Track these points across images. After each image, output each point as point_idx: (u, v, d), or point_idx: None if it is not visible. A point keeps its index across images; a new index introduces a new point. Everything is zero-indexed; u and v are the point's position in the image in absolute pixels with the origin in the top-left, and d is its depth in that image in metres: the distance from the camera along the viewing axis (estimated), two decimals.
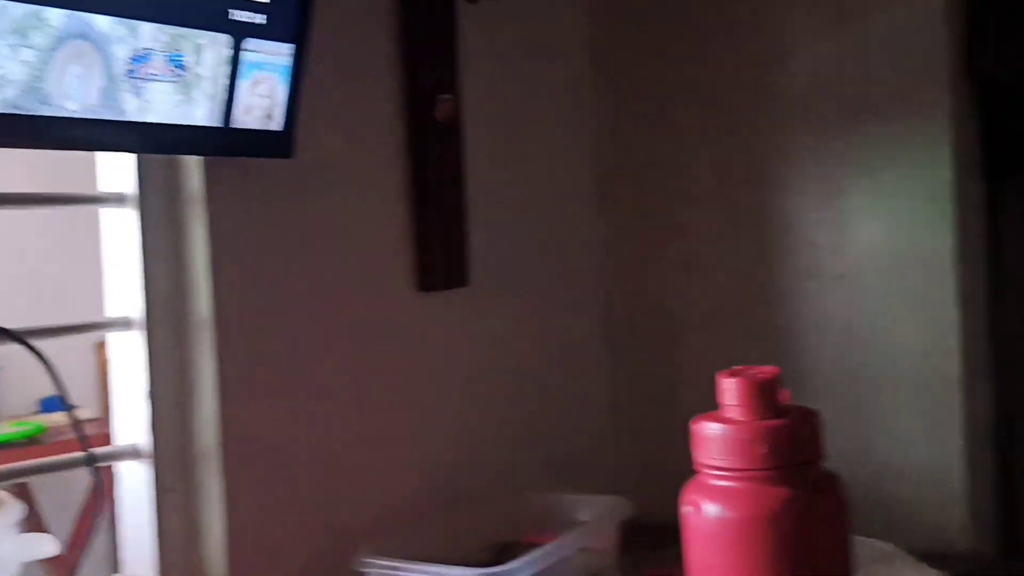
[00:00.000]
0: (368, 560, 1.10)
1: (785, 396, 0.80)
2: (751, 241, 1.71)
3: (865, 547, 0.90)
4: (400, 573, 1.07)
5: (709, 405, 0.82)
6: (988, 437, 1.59)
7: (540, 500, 1.36)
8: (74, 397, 1.04)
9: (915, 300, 1.56)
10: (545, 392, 1.65)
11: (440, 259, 1.46)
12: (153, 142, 1.05)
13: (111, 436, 1.16)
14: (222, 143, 1.11)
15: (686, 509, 0.74)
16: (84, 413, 2.24)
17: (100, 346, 3.92)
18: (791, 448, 0.73)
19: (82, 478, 1.05)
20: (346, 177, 1.36)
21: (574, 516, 1.28)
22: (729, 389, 0.74)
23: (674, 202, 1.78)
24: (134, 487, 1.13)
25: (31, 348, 0.96)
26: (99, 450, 1.06)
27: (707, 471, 0.73)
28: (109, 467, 1.14)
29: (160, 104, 1.02)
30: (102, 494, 1.03)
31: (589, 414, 1.76)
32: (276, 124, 1.16)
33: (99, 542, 2.84)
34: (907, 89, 1.54)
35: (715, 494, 0.72)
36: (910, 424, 1.58)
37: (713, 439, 0.73)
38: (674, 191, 1.77)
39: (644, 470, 1.67)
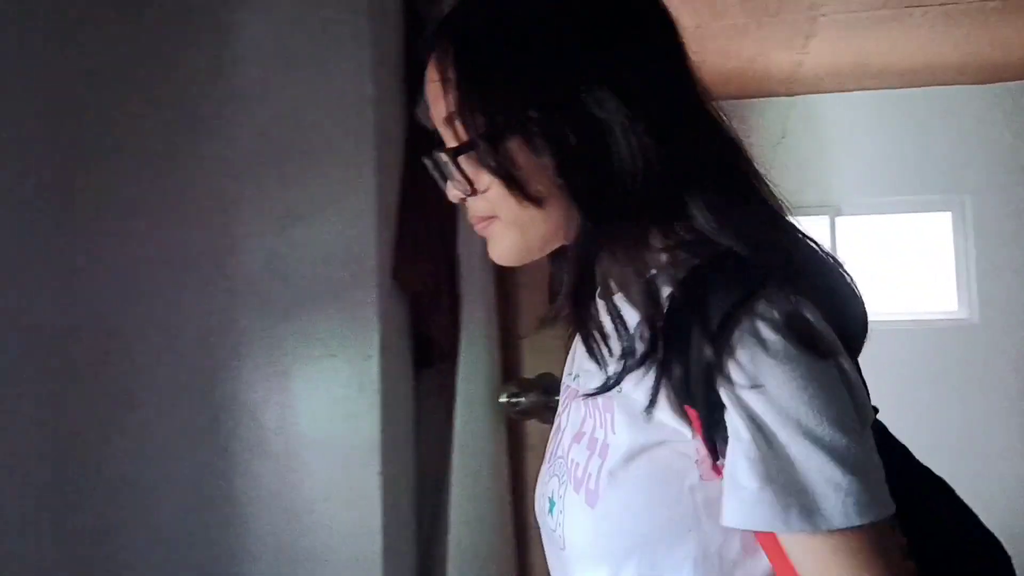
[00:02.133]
0: None
1: None
2: (200, 415, 1.73)
3: None
4: None
5: None
6: None
7: None
8: None
9: (345, 482, 1.67)
10: None
11: None
12: None
13: None
14: None
15: None
16: None
17: None
18: None
19: None
20: None
21: None
22: None
23: (126, 372, 1.75)
24: None
25: None
26: None
27: None
28: None
29: None
30: None
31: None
32: None
33: None
34: (343, 286, 1.68)
35: None
36: None
37: None
38: (127, 360, 1.75)
39: None
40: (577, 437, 0.89)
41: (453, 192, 0.87)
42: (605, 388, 0.83)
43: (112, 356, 1.76)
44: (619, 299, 0.85)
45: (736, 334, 0.74)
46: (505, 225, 0.85)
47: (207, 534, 1.71)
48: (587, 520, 0.85)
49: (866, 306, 0.84)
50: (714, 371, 0.74)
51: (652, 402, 0.80)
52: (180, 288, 1.74)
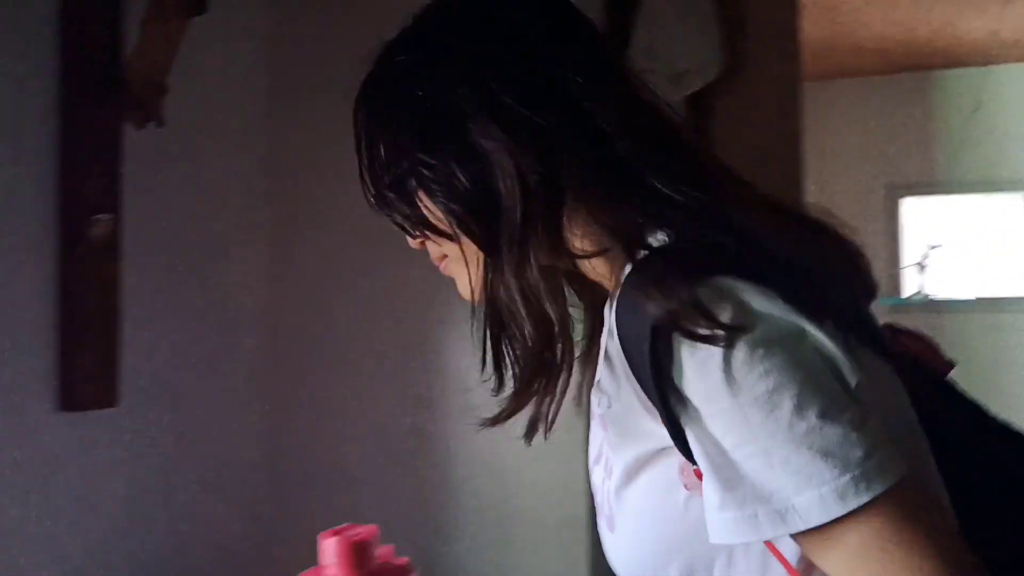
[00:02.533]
0: None
1: (385, 553, 0.84)
2: (405, 381, 1.80)
3: None
4: None
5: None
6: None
7: None
8: None
9: (551, 443, 1.69)
10: (192, 517, 1.61)
11: (86, 376, 1.41)
12: None
13: None
14: None
15: None
16: None
17: None
18: None
19: None
20: None
21: None
22: (328, 549, 0.77)
23: (335, 342, 1.83)
24: None
25: None
26: None
27: None
28: None
29: None
30: None
31: (237, 543, 1.73)
32: None
33: None
34: None
35: None
36: (542, 560, 1.69)
37: None
38: (336, 330, 1.83)
39: None
40: (597, 459, 0.86)
41: (409, 241, 0.89)
42: None
43: (322, 327, 1.84)
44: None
45: (657, 336, 0.69)
46: (454, 262, 0.85)
47: (421, 494, 1.76)
48: (611, 547, 0.82)
49: (859, 269, 0.78)
50: (653, 382, 0.69)
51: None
52: (386, 258, 1.80)
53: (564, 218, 0.79)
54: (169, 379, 1.61)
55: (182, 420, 1.64)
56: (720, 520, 0.67)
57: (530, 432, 0.83)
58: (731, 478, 0.67)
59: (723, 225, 0.75)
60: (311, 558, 0.77)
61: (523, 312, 0.80)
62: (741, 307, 0.68)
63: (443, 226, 0.81)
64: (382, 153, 0.85)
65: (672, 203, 0.77)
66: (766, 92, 1.77)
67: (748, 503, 0.66)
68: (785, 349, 0.67)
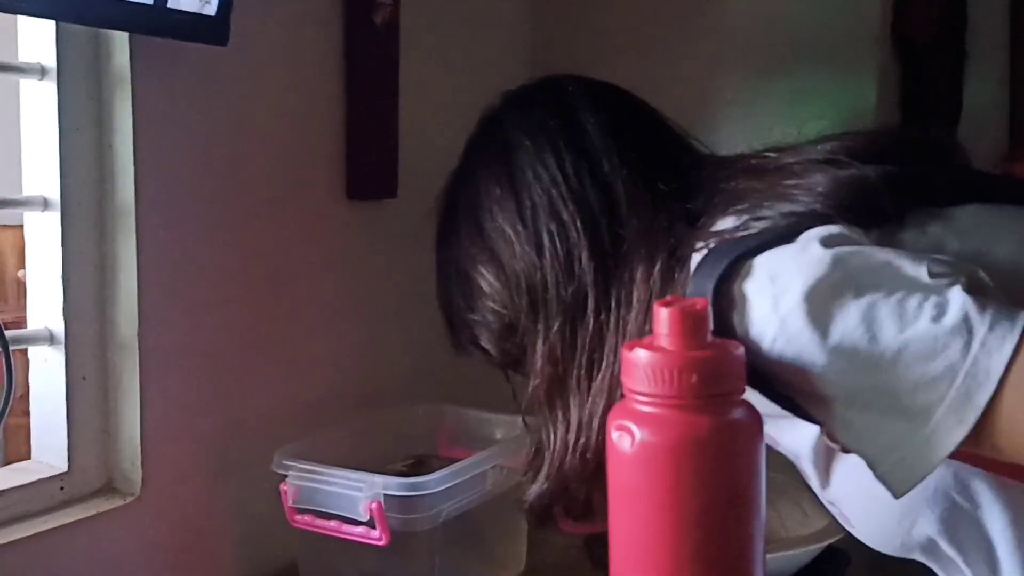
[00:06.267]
0: (286, 462, 1.10)
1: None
2: None
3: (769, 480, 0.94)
4: (317, 477, 1.08)
5: None
6: None
7: (456, 416, 1.38)
8: None
9: None
10: None
11: (370, 167, 1.44)
12: (83, 12, 1.01)
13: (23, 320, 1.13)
14: (155, 22, 1.07)
15: (613, 433, 0.75)
16: None
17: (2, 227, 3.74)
18: (716, 379, 0.75)
19: None
20: (280, 73, 1.32)
21: (489, 434, 1.30)
22: (663, 318, 0.74)
23: None
24: (46, 373, 1.10)
25: None
26: (11, 332, 1.03)
27: (635, 396, 0.74)
28: (21, 351, 1.10)
29: None
30: (11, 378, 1.00)
31: None
32: (211, 9, 1.11)
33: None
34: (837, 45, 1.58)
35: (641, 419, 0.73)
36: None
37: (644, 366, 0.74)
38: None
39: None
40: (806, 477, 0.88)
41: None
42: None
43: None
44: None
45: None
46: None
47: None
48: (860, 536, 0.84)
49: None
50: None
51: None
52: (671, 42, 1.71)
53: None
54: (442, 174, 1.63)
55: None
56: (881, 479, 0.64)
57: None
58: (861, 436, 0.65)
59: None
60: None
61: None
62: (773, 280, 0.67)
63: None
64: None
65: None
66: None
67: (889, 452, 0.63)
68: (834, 294, 0.65)
